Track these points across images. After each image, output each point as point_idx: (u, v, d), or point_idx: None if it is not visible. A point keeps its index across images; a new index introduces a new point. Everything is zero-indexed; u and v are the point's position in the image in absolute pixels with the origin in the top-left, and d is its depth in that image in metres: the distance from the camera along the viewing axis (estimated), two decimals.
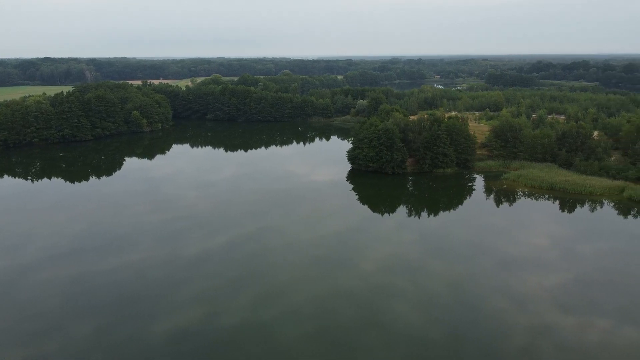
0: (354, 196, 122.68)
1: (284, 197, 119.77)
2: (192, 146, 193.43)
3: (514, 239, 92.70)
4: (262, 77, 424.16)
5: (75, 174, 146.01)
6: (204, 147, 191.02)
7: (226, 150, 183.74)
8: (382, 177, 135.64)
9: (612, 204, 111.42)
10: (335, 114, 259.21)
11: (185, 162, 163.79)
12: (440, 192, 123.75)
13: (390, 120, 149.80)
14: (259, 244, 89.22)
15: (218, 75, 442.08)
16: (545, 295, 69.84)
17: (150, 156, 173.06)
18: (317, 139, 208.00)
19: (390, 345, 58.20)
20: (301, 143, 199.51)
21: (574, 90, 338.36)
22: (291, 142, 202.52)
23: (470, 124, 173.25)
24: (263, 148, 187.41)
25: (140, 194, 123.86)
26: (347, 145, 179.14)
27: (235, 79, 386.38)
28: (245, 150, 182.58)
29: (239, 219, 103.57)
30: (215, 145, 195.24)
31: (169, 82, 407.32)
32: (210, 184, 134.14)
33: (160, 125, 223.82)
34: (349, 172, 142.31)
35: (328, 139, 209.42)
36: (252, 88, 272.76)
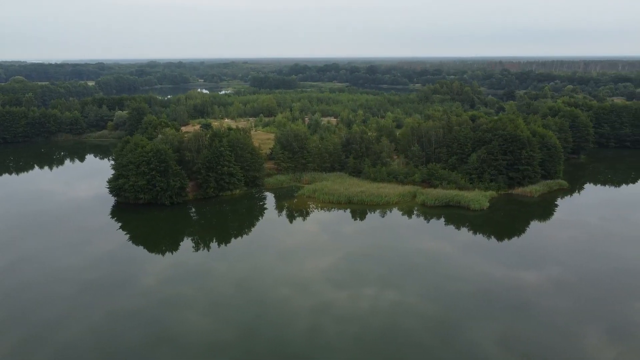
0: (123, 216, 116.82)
1: (39, 220, 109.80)
2: None
3: (291, 230, 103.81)
4: None
5: None
6: None
7: None
8: (158, 209, 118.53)
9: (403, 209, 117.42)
10: (88, 129, 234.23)
11: None
12: (229, 217, 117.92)
13: (159, 137, 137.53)
14: (14, 280, 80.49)
15: None
16: (321, 276, 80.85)
17: None
18: (67, 161, 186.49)
19: (183, 357, 59.87)
20: (47, 167, 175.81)
21: (333, 91, 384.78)
22: (32, 168, 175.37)
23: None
24: None
25: None
26: (107, 164, 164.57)
27: None
28: None
29: None
30: None
31: None
32: None
33: None
34: (114, 207, 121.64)
35: (82, 159, 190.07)
36: None
